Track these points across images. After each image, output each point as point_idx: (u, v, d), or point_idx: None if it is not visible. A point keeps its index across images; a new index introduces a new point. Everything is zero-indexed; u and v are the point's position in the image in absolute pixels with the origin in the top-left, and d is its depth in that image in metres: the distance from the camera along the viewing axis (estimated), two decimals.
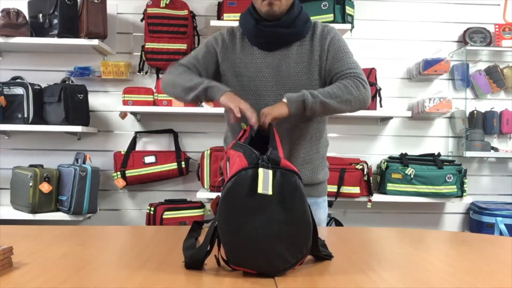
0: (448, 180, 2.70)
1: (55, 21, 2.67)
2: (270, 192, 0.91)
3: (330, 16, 2.69)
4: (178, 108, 2.72)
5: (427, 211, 3.03)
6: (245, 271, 0.92)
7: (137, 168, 2.79)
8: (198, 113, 2.82)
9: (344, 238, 1.30)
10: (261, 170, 0.92)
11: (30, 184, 2.57)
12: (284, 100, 1.37)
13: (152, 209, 2.70)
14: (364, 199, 2.74)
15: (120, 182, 2.77)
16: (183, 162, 2.83)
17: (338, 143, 3.00)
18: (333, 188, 2.67)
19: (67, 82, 2.73)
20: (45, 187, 2.59)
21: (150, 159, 2.81)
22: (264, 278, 0.89)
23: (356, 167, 2.71)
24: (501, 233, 2.72)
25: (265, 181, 0.91)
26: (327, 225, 2.85)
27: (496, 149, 2.93)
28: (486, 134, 2.94)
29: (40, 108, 2.73)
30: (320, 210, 1.58)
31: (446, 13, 3.03)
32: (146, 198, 2.95)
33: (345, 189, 2.68)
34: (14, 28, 2.64)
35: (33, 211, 2.58)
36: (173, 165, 2.82)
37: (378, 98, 2.78)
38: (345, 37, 2.88)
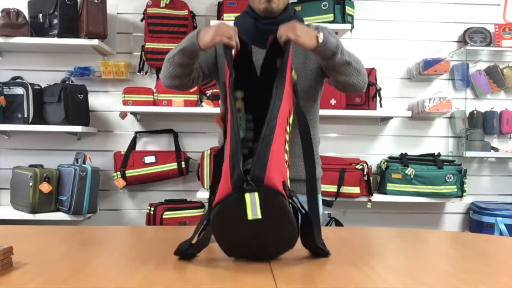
0: (448, 180, 2.70)
1: (55, 21, 2.67)
2: (259, 216, 0.93)
3: (330, 16, 2.69)
4: (178, 108, 2.72)
5: (427, 211, 3.03)
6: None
7: (137, 168, 2.79)
8: (198, 113, 2.82)
9: (344, 238, 1.30)
10: (247, 196, 0.93)
11: (30, 184, 2.57)
12: (320, 36, 1.32)
13: (152, 209, 2.70)
14: (364, 199, 2.74)
15: (120, 182, 2.77)
16: (183, 162, 2.83)
17: (338, 143, 3.00)
18: (333, 188, 2.67)
19: (67, 82, 2.73)
20: (45, 187, 2.59)
21: (150, 159, 2.81)
22: (264, 278, 0.89)
23: (356, 167, 2.71)
24: (501, 233, 2.72)
25: (253, 207, 0.93)
26: (327, 225, 2.86)
27: (496, 149, 2.93)
28: (486, 134, 2.94)
29: (40, 108, 2.73)
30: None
31: (446, 13, 3.03)
32: (146, 198, 2.95)
33: (345, 189, 2.68)
34: (14, 28, 2.64)
35: (33, 211, 2.58)
36: (173, 165, 2.82)
37: (378, 98, 2.78)
38: (345, 37, 2.90)
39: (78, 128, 2.67)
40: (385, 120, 2.98)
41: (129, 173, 2.78)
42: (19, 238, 1.23)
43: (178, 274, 0.91)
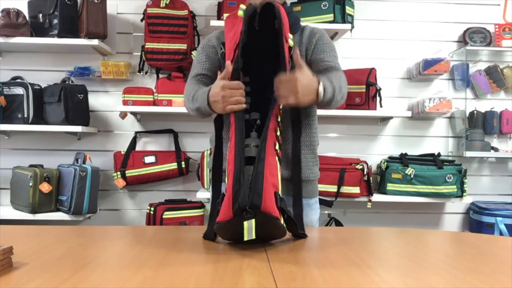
0: (448, 180, 2.70)
1: (55, 21, 2.67)
2: (253, 237, 1.07)
3: (330, 16, 2.69)
4: (178, 108, 2.72)
5: (427, 211, 3.03)
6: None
7: (137, 168, 2.79)
8: None
9: (344, 238, 1.30)
10: (246, 223, 1.07)
11: (30, 184, 2.57)
12: (320, 90, 1.30)
13: (152, 209, 2.70)
14: (364, 199, 2.74)
15: (120, 182, 2.77)
16: (183, 162, 2.83)
17: (338, 143, 3.00)
18: (333, 188, 2.67)
19: (67, 82, 2.73)
20: (45, 187, 2.59)
21: (150, 159, 2.81)
22: (264, 278, 0.89)
23: (356, 167, 2.71)
24: (501, 233, 2.72)
25: (249, 231, 1.07)
26: (327, 225, 2.86)
27: (496, 149, 2.93)
28: (486, 134, 2.95)
29: (40, 108, 2.73)
30: (312, 212, 1.58)
31: (446, 13, 3.03)
32: (146, 198, 2.95)
33: (345, 189, 2.68)
34: (14, 28, 2.64)
35: (33, 211, 2.58)
36: (173, 165, 2.82)
37: (378, 98, 2.78)
38: (345, 37, 2.90)
39: (78, 128, 2.67)
40: (385, 120, 2.98)
41: (129, 173, 2.78)
42: (19, 238, 1.23)
43: (178, 274, 0.91)
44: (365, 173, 2.72)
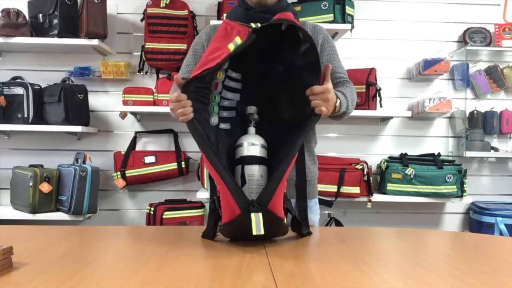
0: (448, 180, 2.70)
1: (55, 21, 2.67)
2: (262, 232, 1.08)
3: (330, 16, 2.69)
4: None
5: (427, 211, 3.03)
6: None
7: (137, 168, 2.79)
8: None
9: (344, 238, 1.30)
10: (253, 215, 1.08)
11: (30, 184, 2.57)
12: (337, 105, 1.35)
13: (152, 209, 2.70)
14: (364, 199, 2.74)
15: (120, 182, 2.77)
16: (183, 162, 2.83)
17: (338, 143, 3.00)
18: (333, 188, 2.67)
19: (67, 82, 2.73)
20: (45, 187, 2.59)
21: (150, 159, 2.81)
22: (264, 278, 0.89)
23: (356, 167, 2.71)
24: (501, 233, 2.72)
25: (257, 224, 1.08)
26: (327, 225, 2.86)
27: (496, 149, 2.93)
28: (486, 134, 2.94)
29: (40, 108, 2.73)
30: (312, 214, 1.57)
31: (446, 13, 3.03)
32: (146, 198, 2.95)
33: (345, 189, 2.68)
34: (14, 28, 2.64)
35: (33, 211, 2.58)
36: (173, 165, 2.82)
37: (378, 98, 2.78)
38: (345, 37, 2.90)
39: (78, 128, 2.67)
40: (385, 120, 2.98)
41: (129, 173, 2.78)
42: (19, 238, 1.23)
43: (178, 274, 0.91)
44: (365, 173, 2.72)
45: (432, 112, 2.83)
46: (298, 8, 2.74)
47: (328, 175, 2.67)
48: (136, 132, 2.92)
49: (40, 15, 2.71)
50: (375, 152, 3.02)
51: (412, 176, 2.72)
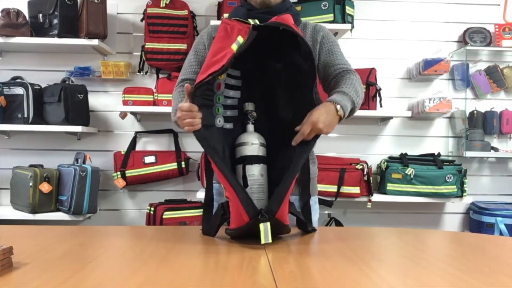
0: (448, 180, 2.70)
1: (55, 21, 2.67)
2: (270, 241, 1.11)
3: (330, 16, 2.69)
4: None
5: (427, 211, 3.03)
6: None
7: (137, 168, 2.79)
8: None
9: (344, 238, 1.30)
10: (262, 225, 1.11)
11: (30, 184, 2.57)
12: (339, 110, 1.32)
13: (152, 209, 2.70)
14: (364, 199, 2.74)
15: (120, 182, 2.77)
16: (183, 162, 2.83)
17: (338, 143, 3.00)
18: (333, 188, 2.67)
19: (67, 82, 2.73)
20: (45, 187, 2.59)
21: (150, 159, 2.81)
22: (264, 278, 0.89)
23: (356, 167, 2.71)
24: (501, 233, 2.72)
25: (266, 234, 1.11)
26: (327, 225, 2.86)
27: (496, 149, 2.93)
28: (486, 134, 2.94)
29: (40, 108, 2.73)
30: (312, 213, 1.58)
31: (446, 13, 3.03)
32: (146, 198, 2.95)
33: (345, 189, 2.68)
34: (14, 28, 2.64)
35: (33, 211, 2.58)
36: (173, 165, 2.82)
37: (378, 98, 2.78)
38: (345, 37, 2.90)
39: (78, 128, 2.67)
40: (385, 120, 2.98)
41: (129, 173, 2.78)
42: (19, 238, 1.23)
43: (178, 274, 0.91)
44: (365, 173, 2.72)
45: (432, 112, 2.83)
46: (298, 8, 2.74)
47: (328, 175, 2.67)
48: (136, 132, 2.92)
49: (40, 15, 2.71)
50: (375, 152, 3.02)
51: (412, 176, 2.71)
